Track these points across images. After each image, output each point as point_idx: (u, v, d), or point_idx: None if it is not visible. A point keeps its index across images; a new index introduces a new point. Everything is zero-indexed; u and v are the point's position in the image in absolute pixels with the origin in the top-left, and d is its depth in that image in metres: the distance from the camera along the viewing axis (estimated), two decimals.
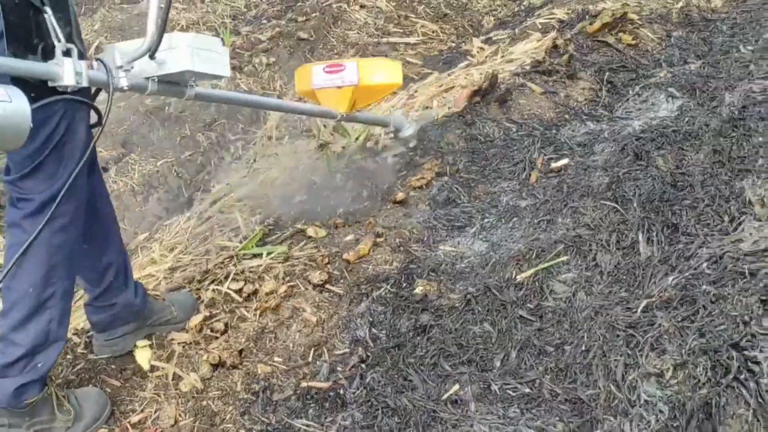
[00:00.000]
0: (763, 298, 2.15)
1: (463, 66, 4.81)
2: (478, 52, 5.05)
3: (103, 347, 2.71)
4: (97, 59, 2.09)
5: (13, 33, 1.89)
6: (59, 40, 1.94)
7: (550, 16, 4.97)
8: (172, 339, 2.77)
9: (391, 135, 3.73)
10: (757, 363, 1.93)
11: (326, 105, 3.30)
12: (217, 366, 2.61)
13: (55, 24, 1.93)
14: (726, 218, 2.74)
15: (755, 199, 2.71)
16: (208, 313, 2.84)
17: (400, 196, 3.32)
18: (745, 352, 1.98)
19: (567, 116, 3.95)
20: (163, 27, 2.11)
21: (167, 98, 4.66)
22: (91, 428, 2.40)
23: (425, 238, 3.11)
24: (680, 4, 5.13)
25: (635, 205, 2.96)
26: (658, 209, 2.90)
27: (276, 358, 2.63)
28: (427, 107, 4.20)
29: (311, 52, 5.61)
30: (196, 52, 2.24)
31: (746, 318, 2.10)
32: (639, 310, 2.38)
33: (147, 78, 2.24)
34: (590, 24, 4.56)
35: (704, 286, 2.34)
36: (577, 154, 3.53)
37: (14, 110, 1.73)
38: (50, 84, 1.95)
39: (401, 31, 5.85)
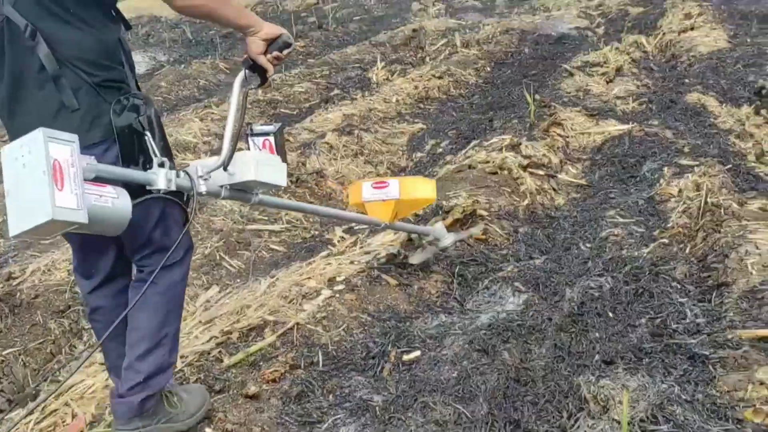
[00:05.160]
0: None
1: (323, 255, 4.93)
2: (339, 241, 5.22)
3: None
4: (183, 170, 2.58)
5: (124, 152, 2.47)
6: (155, 155, 2.46)
7: None
8: None
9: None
10: None
11: (373, 215, 4.00)
12: None
13: (152, 143, 2.46)
14: (564, 414, 2.87)
15: (590, 397, 2.86)
16: None
17: (253, 390, 3.29)
18: None
19: (420, 308, 4.08)
20: (235, 146, 2.70)
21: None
22: (196, 414, 3.00)
23: None
24: (526, 201, 5.52)
25: (481, 400, 3.05)
26: (501, 405, 3.00)
27: None
28: (285, 296, 4.24)
29: None
30: (261, 166, 2.76)
31: None
32: None
33: (221, 186, 2.74)
34: (443, 219, 4.81)
35: None
36: (428, 347, 3.63)
37: (120, 205, 2.28)
38: (148, 188, 2.46)
39: (266, 218, 5.97)
